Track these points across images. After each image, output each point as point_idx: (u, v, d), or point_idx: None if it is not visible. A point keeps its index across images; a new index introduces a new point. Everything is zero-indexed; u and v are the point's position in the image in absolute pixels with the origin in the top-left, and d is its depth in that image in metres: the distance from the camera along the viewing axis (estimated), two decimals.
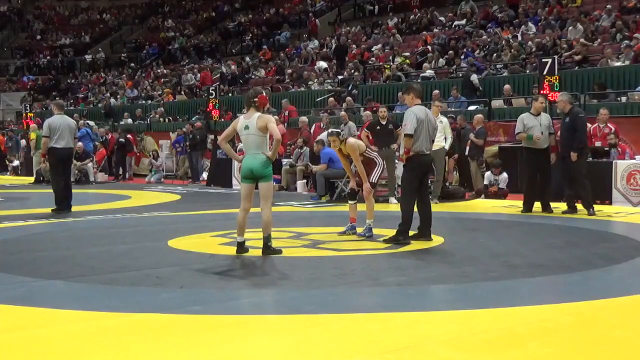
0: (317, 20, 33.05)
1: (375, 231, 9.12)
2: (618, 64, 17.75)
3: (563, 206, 11.82)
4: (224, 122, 21.67)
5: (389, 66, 23.23)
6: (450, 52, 22.53)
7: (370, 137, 13.70)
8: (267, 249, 7.65)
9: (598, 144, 13.60)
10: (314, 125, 18.45)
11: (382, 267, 7.22)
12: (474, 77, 19.44)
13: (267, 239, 7.67)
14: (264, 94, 8.07)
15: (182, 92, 30.01)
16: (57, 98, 37.04)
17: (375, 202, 13.10)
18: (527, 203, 11.74)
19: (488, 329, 4.82)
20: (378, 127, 13.85)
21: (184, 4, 44.67)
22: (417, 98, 8.82)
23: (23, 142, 26.13)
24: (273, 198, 8.03)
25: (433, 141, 9.06)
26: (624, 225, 10.48)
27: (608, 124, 13.72)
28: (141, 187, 19.09)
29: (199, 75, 30.89)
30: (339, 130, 9.25)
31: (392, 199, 13.63)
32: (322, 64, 26.15)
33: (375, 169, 9.26)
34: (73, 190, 12.96)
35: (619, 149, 13.37)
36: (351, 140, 9.25)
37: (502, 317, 5.18)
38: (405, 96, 8.99)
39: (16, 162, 26.33)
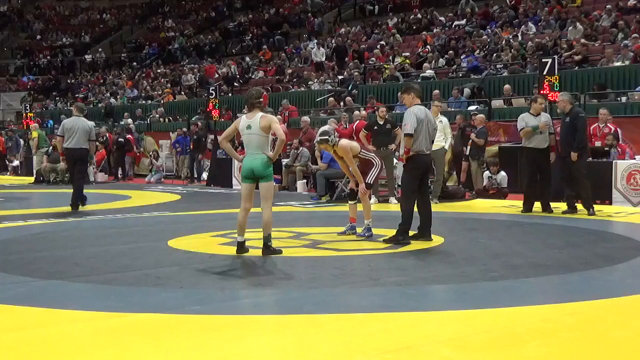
0: (317, 20, 33.09)
1: (375, 231, 9.13)
2: (618, 64, 17.75)
3: (563, 206, 11.82)
4: (224, 122, 21.68)
5: (388, 66, 23.24)
6: (450, 52, 22.53)
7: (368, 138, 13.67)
8: (267, 249, 7.66)
9: (598, 144, 13.60)
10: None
11: (382, 267, 7.22)
12: (467, 91, 19.37)
13: (267, 239, 7.67)
14: (265, 94, 8.09)
15: (182, 92, 30.02)
16: (57, 97, 37.20)
17: (378, 202, 13.20)
18: (527, 203, 11.74)
19: (488, 329, 4.82)
20: (376, 127, 13.80)
21: (184, 4, 44.66)
22: (416, 98, 8.81)
23: (22, 141, 26.13)
24: (273, 198, 8.03)
25: (433, 141, 9.07)
26: (624, 225, 10.48)
27: (608, 124, 13.72)
28: (141, 187, 19.09)
29: (198, 75, 30.90)
30: (328, 138, 9.17)
31: (392, 199, 13.63)
32: (320, 52, 26.30)
33: (373, 170, 9.25)
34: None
35: (619, 149, 13.37)
36: (343, 142, 9.18)
37: (502, 317, 5.18)
38: (404, 96, 8.98)
39: (16, 162, 26.33)
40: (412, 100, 8.78)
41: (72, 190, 12.74)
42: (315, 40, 29.66)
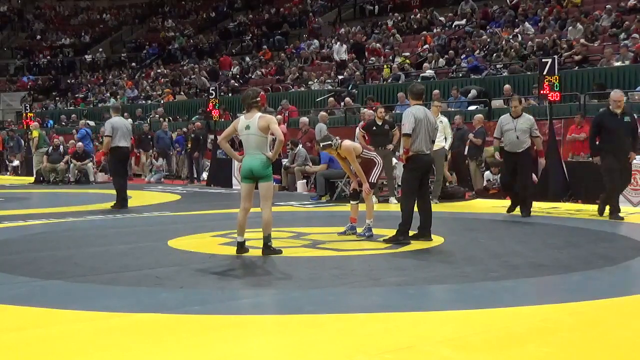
0: (317, 20, 33.08)
1: (375, 231, 9.12)
2: (618, 64, 17.76)
3: (564, 206, 11.80)
4: (224, 122, 21.67)
5: (388, 66, 23.23)
6: (451, 52, 22.53)
7: (367, 138, 13.67)
8: (267, 249, 7.66)
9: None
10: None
11: (382, 267, 7.22)
12: (473, 92, 19.35)
13: (267, 239, 7.67)
14: (263, 93, 8.10)
15: (182, 92, 30.03)
16: (57, 97, 37.18)
17: (378, 202, 13.19)
18: (511, 203, 11.56)
19: (488, 329, 4.82)
20: (374, 128, 13.80)
21: (184, 4, 44.65)
22: (413, 100, 8.88)
23: (23, 142, 26.11)
24: (273, 198, 8.03)
25: (434, 141, 9.06)
26: (624, 225, 10.47)
27: None
28: (141, 187, 19.09)
29: (210, 68, 31.01)
30: (331, 142, 9.21)
31: (392, 199, 13.63)
32: (343, 49, 26.16)
33: (375, 169, 9.27)
34: (73, 190, 13.06)
35: None
36: (346, 143, 9.20)
37: (502, 317, 5.18)
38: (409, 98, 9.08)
39: (16, 162, 26.32)
40: (411, 102, 8.91)
41: (71, 191, 12.79)
42: (317, 41, 29.64)
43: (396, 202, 13.62)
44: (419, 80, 20.87)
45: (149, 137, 22.61)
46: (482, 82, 19.78)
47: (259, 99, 7.79)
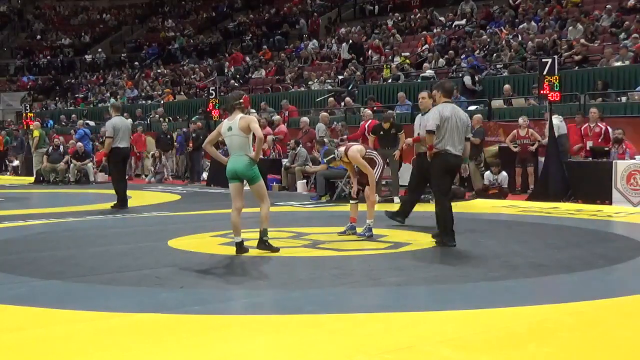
0: (300, 21, 33.12)
1: (375, 231, 9.13)
2: (618, 64, 17.75)
3: (564, 206, 11.80)
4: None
5: (388, 67, 23.22)
6: (451, 52, 22.52)
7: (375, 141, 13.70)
8: (263, 244, 7.68)
9: (589, 143, 13.59)
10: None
11: (382, 267, 7.22)
12: (467, 79, 19.36)
13: (263, 234, 7.70)
14: (246, 95, 8.15)
15: (182, 92, 30.02)
16: (57, 97, 37.17)
17: (378, 202, 13.18)
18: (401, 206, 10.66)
19: (488, 329, 4.82)
20: (381, 132, 13.85)
21: (184, 4, 44.64)
22: (444, 97, 8.43)
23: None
24: (271, 198, 8.03)
25: (468, 138, 8.52)
26: (624, 225, 10.47)
27: (598, 123, 13.71)
28: (141, 187, 19.09)
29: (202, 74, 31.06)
30: (334, 156, 9.23)
31: (396, 199, 13.65)
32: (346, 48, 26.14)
33: (375, 168, 9.28)
34: (73, 190, 13.03)
35: (623, 146, 13.28)
36: (352, 151, 9.17)
37: (502, 317, 5.18)
38: (434, 92, 8.56)
39: (16, 162, 26.31)
40: (440, 99, 8.44)
41: (72, 191, 12.78)
42: (316, 41, 29.61)
43: (399, 201, 13.63)
44: (419, 80, 20.90)
45: (168, 137, 22.44)
46: (482, 82, 19.79)
47: (241, 100, 7.89)
